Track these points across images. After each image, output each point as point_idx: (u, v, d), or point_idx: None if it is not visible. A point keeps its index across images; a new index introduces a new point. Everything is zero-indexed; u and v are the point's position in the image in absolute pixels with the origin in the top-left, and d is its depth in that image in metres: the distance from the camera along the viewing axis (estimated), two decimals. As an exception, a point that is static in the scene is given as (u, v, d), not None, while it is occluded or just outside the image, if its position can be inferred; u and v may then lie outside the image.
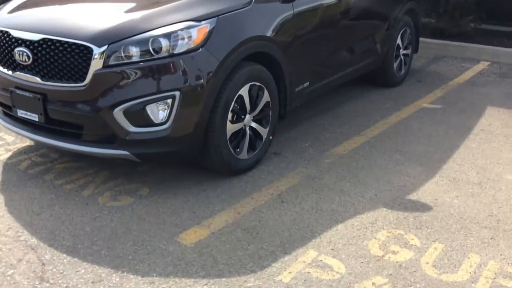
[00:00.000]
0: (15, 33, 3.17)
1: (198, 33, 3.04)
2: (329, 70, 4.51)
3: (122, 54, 2.93)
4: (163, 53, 2.96)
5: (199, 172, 3.55)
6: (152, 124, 3.03)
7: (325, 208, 3.18)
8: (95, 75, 2.94)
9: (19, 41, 3.14)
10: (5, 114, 3.53)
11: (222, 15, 3.20)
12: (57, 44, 3.00)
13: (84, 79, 2.97)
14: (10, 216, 3.05)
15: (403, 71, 5.75)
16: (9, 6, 3.65)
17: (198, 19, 3.09)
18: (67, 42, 2.98)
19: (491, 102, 5.19)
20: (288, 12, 3.70)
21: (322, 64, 4.34)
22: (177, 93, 3.00)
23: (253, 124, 3.57)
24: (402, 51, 5.63)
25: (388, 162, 3.81)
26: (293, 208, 3.18)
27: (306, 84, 4.10)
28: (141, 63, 2.95)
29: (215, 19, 3.14)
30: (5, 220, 3.01)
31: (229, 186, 3.42)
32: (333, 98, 5.17)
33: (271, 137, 3.78)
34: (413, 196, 3.33)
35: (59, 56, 3.00)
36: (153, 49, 2.95)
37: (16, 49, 3.14)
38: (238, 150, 3.47)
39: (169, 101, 3.01)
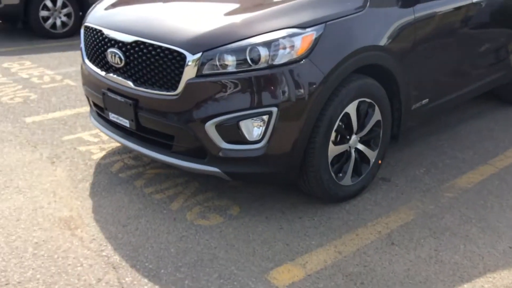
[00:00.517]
0: (108, 33, 2.99)
1: (302, 42, 2.65)
2: (453, 85, 3.91)
3: (217, 63, 2.63)
4: (262, 64, 2.61)
5: (295, 193, 3.19)
6: (245, 141, 2.71)
7: (446, 259, 2.66)
8: (188, 84, 2.67)
9: (112, 42, 2.96)
10: (99, 115, 3.41)
11: (331, 22, 2.77)
12: (150, 48, 2.77)
13: (176, 87, 2.71)
14: (96, 225, 2.90)
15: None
16: (105, 2, 3.52)
17: (303, 26, 2.70)
18: (160, 47, 2.73)
19: None
20: (408, 17, 3.19)
21: (445, 78, 3.77)
22: (274, 109, 2.64)
23: (360, 146, 3.13)
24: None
25: (522, 203, 3.18)
26: (407, 254, 2.70)
27: (424, 101, 3.56)
28: (237, 74, 2.63)
29: (322, 25, 2.73)
30: (91, 229, 2.86)
31: (328, 216, 3.02)
32: (451, 114, 4.54)
33: (379, 162, 3.31)
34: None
35: (151, 61, 2.77)
36: (251, 59, 2.61)
37: (109, 50, 2.97)
38: (340, 175, 3.06)
39: (265, 117, 2.67)
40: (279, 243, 2.77)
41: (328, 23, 2.75)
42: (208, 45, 2.64)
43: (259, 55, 2.61)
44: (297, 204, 3.13)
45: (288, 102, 2.66)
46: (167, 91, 2.75)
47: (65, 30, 7.34)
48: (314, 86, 2.69)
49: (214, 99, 2.67)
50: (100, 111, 3.31)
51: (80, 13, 7.44)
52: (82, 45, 3.34)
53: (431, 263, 2.62)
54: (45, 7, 7.11)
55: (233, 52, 2.62)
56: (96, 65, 3.17)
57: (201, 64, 2.64)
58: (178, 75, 2.70)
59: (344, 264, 2.61)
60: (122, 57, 2.88)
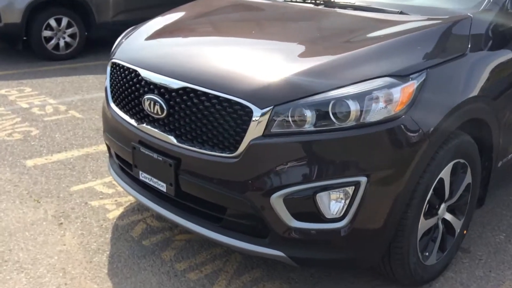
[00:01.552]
0: (147, 75, 2.39)
1: (402, 94, 2.06)
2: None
3: (291, 120, 2.04)
4: (350, 122, 2.02)
5: (360, 273, 2.58)
6: (321, 219, 2.10)
7: None
8: (252, 145, 2.06)
9: (151, 86, 2.37)
10: (122, 169, 2.79)
11: (432, 68, 2.20)
12: (203, 98, 2.18)
13: (236, 148, 2.11)
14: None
15: None
16: (139, 33, 2.92)
17: (402, 74, 2.11)
18: (216, 97, 2.14)
19: None
20: (506, 58, 2.63)
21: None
22: (363, 179, 2.04)
23: (447, 216, 2.54)
24: None
25: None
26: None
27: (510, 156, 2.98)
28: (317, 134, 2.03)
29: (423, 73, 2.15)
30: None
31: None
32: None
33: (464, 232, 2.71)
34: None
35: (204, 113, 2.17)
36: (336, 115, 2.02)
37: (146, 96, 2.36)
38: (426, 253, 2.45)
39: (350, 189, 2.06)
40: None
41: (429, 69, 2.17)
42: (281, 97, 2.05)
43: (347, 111, 2.01)
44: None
45: (382, 170, 2.06)
46: (223, 152, 2.14)
47: (68, 51, 6.71)
48: (415, 148, 2.09)
49: (284, 165, 2.06)
50: (126, 167, 2.69)
51: (86, 33, 6.83)
52: (108, 85, 2.73)
53: None
54: (48, 27, 6.49)
55: (312, 106, 2.03)
56: (126, 112, 2.56)
57: (270, 121, 2.04)
58: (239, 133, 2.09)
59: None
60: (164, 106, 2.27)
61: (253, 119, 2.05)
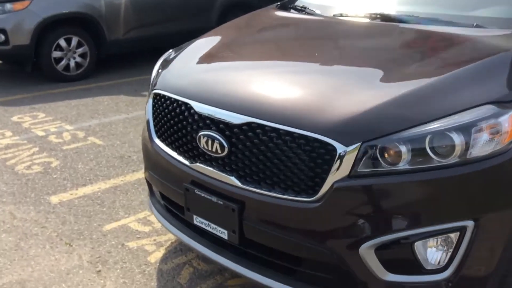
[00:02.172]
0: (201, 109, 2.11)
1: (510, 124, 1.78)
2: None
3: (381, 158, 1.76)
4: (453, 158, 1.73)
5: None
6: (420, 270, 1.81)
7: None
8: (336, 187, 1.77)
9: (207, 122, 2.08)
10: (169, 211, 2.49)
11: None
12: (272, 134, 1.89)
13: (315, 191, 1.81)
14: None
15: None
16: (181, 60, 2.61)
17: (504, 100, 1.82)
18: (290, 133, 1.85)
19: None
20: None
21: None
22: (469, 224, 1.75)
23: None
24: None
25: None
26: None
27: None
28: (413, 174, 1.75)
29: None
30: None
31: None
32: None
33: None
34: None
35: (274, 151, 1.88)
36: (434, 151, 1.74)
37: (202, 133, 2.07)
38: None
39: (454, 235, 1.77)
40: None
41: (537, 93, 1.88)
42: (370, 132, 1.76)
43: (451, 145, 1.72)
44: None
45: (491, 213, 1.77)
46: (298, 196, 1.85)
47: (79, 71, 6.42)
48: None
49: (375, 210, 1.77)
50: (176, 210, 2.39)
51: (97, 52, 6.54)
52: (150, 118, 2.43)
53: None
54: (58, 47, 6.21)
55: (408, 141, 1.74)
56: (175, 149, 2.26)
57: (357, 160, 1.75)
58: (319, 174, 1.80)
59: None
60: (225, 144, 1.98)
61: (337, 158, 1.76)
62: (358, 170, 1.77)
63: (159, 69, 2.63)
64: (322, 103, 1.91)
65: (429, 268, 1.81)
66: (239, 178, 2.00)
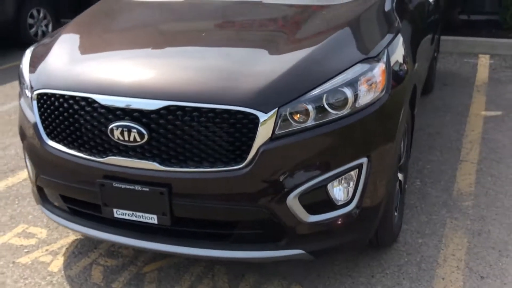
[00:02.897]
0: (109, 101, 2.10)
1: (381, 74, 2.21)
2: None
3: (293, 119, 2.04)
4: (346, 110, 2.10)
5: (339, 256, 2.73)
6: (333, 207, 2.17)
7: None
8: (262, 151, 2.00)
9: (117, 112, 2.09)
10: (76, 213, 2.42)
11: (388, 46, 2.38)
12: (194, 113, 2.01)
13: (244, 158, 2.01)
14: None
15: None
16: (59, 53, 2.49)
17: (372, 56, 2.25)
18: (212, 110, 2.00)
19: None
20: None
21: None
22: (364, 161, 2.16)
23: (400, 176, 2.81)
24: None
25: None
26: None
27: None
28: (319, 128, 2.07)
29: (385, 52, 2.32)
30: None
31: (397, 264, 2.64)
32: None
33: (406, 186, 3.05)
34: None
35: (198, 130, 2.01)
36: (331, 106, 2.08)
37: (114, 124, 2.08)
38: (396, 213, 2.70)
39: (353, 173, 2.16)
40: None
41: (388, 48, 2.35)
42: (282, 99, 2.01)
43: (344, 99, 2.08)
44: (354, 265, 2.66)
45: (379, 149, 2.20)
46: (227, 166, 2.03)
47: None
48: (397, 118, 2.29)
49: (294, 165, 2.06)
50: (84, 208, 2.34)
51: None
52: (38, 121, 2.30)
53: None
54: None
55: (311, 101, 2.04)
56: (79, 148, 2.21)
57: (275, 124, 2.00)
58: (246, 142, 2.00)
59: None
60: (144, 131, 2.03)
61: (260, 125, 1.98)
62: (277, 133, 2.02)
63: (30, 66, 2.48)
64: (235, 78, 2.10)
65: (339, 204, 2.18)
66: (162, 162, 2.08)
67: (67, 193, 2.37)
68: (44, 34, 7.68)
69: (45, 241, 2.90)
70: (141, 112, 2.06)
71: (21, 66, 2.59)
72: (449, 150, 3.94)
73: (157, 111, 2.04)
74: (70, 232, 2.94)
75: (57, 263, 2.71)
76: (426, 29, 3.67)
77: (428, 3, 3.82)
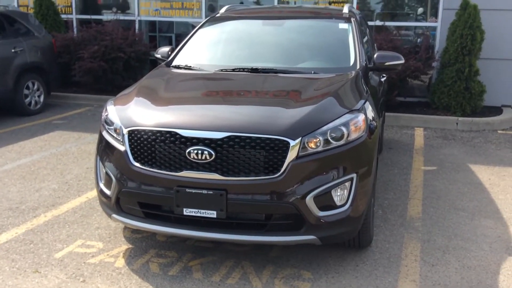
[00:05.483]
0: (187, 133, 3.13)
1: (363, 120, 3.38)
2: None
3: (309, 146, 3.13)
4: (342, 141, 3.21)
5: (324, 250, 3.74)
6: (334, 207, 3.22)
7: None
8: (291, 165, 3.06)
9: (194, 141, 3.11)
10: (149, 215, 3.32)
11: (367, 102, 3.62)
12: (247, 140, 3.07)
13: (279, 170, 3.06)
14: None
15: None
16: (143, 100, 3.57)
17: (356, 108, 3.44)
18: (259, 138, 3.07)
19: (464, 160, 6.25)
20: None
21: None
22: (354, 175, 3.25)
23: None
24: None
25: (461, 219, 4.43)
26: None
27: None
28: (325, 152, 3.16)
29: (364, 107, 3.52)
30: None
31: (373, 259, 3.67)
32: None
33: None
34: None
35: (249, 151, 3.06)
36: (333, 138, 3.19)
37: (191, 148, 3.09)
38: (371, 223, 3.78)
39: (348, 183, 3.24)
40: None
41: (364, 105, 3.54)
42: (304, 132, 3.12)
43: (341, 134, 3.20)
44: (342, 259, 3.67)
45: (363, 168, 3.31)
46: (268, 175, 3.06)
47: None
48: (374, 153, 3.43)
49: (311, 175, 3.12)
50: (160, 211, 3.27)
51: None
52: (128, 149, 3.28)
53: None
54: None
55: (320, 135, 3.15)
56: (159, 166, 3.19)
57: (299, 148, 3.08)
58: (280, 159, 3.06)
59: None
60: (213, 153, 3.06)
61: (290, 148, 3.06)
62: (300, 154, 3.10)
63: (117, 112, 3.50)
64: (272, 118, 3.23)
65: (338, 204, 3.23)
66: (222, 173, 3.09)
67: (146, 200, 3.28)
68: (37, 103, 8.60)
69: (104, 249, 3.71)
70: (211, 139, 3.10)
71: (105, 113, 3.59)
72: (400, 191, 5.12)
73: (221, 139, 3.09)
74: (123, 243, 3.78)
75: (120, 262, 3.53)
76: (380, 100, 4.99)
77: (381, 82, 5.17)
